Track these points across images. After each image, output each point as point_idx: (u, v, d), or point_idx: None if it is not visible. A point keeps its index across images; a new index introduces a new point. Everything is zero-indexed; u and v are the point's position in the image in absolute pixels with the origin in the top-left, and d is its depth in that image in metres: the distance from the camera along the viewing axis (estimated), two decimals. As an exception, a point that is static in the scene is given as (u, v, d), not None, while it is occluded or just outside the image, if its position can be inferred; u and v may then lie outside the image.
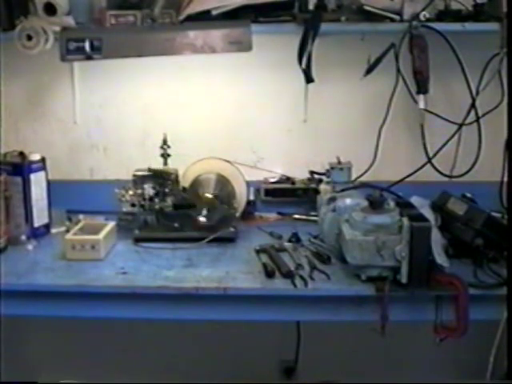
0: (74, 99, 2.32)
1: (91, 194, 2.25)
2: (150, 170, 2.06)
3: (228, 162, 2.14)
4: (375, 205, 1.71)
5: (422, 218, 1.66)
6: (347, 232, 1.69)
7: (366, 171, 2.19)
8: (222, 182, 2.09)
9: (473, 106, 2.10)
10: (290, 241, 1.97)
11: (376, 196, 1.73)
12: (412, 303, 1.67)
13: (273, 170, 2.30)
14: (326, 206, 1.91)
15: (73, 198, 2.22)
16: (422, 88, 2.05)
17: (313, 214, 2.17)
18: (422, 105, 2.08)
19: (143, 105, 2.30)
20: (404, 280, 1.61)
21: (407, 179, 2.17)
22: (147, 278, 1.73)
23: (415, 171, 2.16)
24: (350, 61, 2.18)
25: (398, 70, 2.07)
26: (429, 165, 2.13)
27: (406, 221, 1.62)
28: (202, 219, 1.97)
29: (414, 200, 1.87)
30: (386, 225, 1.65)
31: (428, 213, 1.82)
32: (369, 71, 2.04)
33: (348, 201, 1.83)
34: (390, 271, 1.64)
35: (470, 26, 1.98)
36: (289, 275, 1.70)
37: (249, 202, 2.20)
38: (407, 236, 1.60)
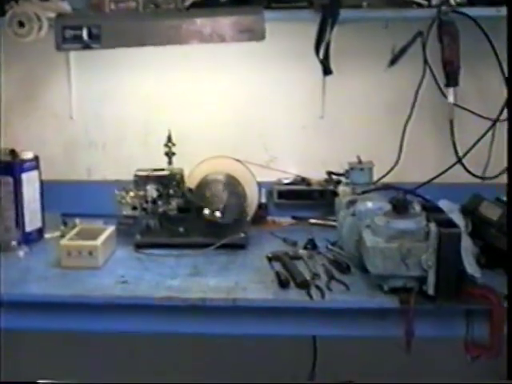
0: (70, 92, 2.33)
1: (88, 196, 2.26)
2: (153, 170, 2.07)
3: (238, 161, 2.14)
4: (399, 209, 1.70)
5: (450, 223, 1.65)
6: (368, 238, 1.68)
7: (389, 172, 2.18)
8: (232, 183, 2.09)
9: (509, 100, 2.08)
10: (305, 248, 1.97)
11: (400, 199, 1.72)
12: (440, 317, 1.65)
13: (287, 170, 2.30)
14: (345, 210, 1.91)
15: (68, 200, 2.23)
16: (452, 80, 2.04)
17: (330, 218, 2.16)
18: (451, 99, 2.07)
19: (146, 99, 2.31)
20: (431, 292, 1.60)
21: (435, 180, 2.16)
22: (149, 287, 1.72)
23: (444, 172, 2.15)
24: (372, 51, 2.18)
25: (426, 61, 2.06)
26: (459, 165, 2.12)
27: (433, 226, 1.61)
28: (217, 214, 1.98)
29: (443, 204, 1.86)
30: (412, 231, 1.64)
31: (458, 218, 1.81)
32: (393, 62, 2.04)
33: (369, 204, 1.82)
34: (416, 282, 1.63)
35: (505, 10, 1.95)
36: (304, 285, 1.70)
37: (260, 205, 2.20)
38: (435, 243, 1.59)
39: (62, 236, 2.00)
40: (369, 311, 1.66)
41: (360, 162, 2.11)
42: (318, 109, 2.28)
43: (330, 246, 1.97)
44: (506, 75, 2.03)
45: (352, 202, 1.90)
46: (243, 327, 1.72)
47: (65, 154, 2.36)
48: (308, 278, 1.74)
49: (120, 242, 2.02)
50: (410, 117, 2.15)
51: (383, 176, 2.17)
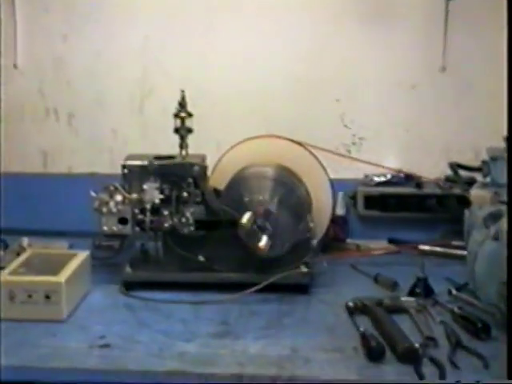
0: (14, 25, 2.38)
1: (45, 200, 2.31)
2: (150, 166, 2.10)
3: (298, 144, 2.17)
4: None
5: None
6: (523, 279, 1.68)
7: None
8: (287, 180, 2.12)
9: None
10: (412, 293, 1.98)
11: None
12: None
13: (381, 160, 2.33)
14: (483, 230, 1.91)
15: (11, 207, 2.28)
16: None
17: (456, 243, 2.18)
18: None
19: (143, 39, 2.36)
20: None
21: None
22: (147, 355, 1.74)
23: None
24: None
25: None
26: None
27: None
28: (262, 244, 2.00)
29: None
30: None
31: None
32: None
33: (524, 221, 1.82)
34: None
35: None
36: (410, 357, 1.70)
37: (336, 220, 2.23)
38: None
39: (1, 267, 2.03)
40: (522, 404, 1.67)
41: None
42: (435, 57, 2.31)
43: (454, 292, 1.98)
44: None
45: (494, 217, 1.90)
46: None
47: (5, 129, 2.42)
48: (417, 344, 1.74)
49: (98, 277, 2.06)
50: None
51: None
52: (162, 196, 2.07)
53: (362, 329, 1.81)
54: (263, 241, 1.98)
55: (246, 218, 1.98)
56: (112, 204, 2.07)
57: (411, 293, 1.99)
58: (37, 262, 2.00)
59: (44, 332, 1.83)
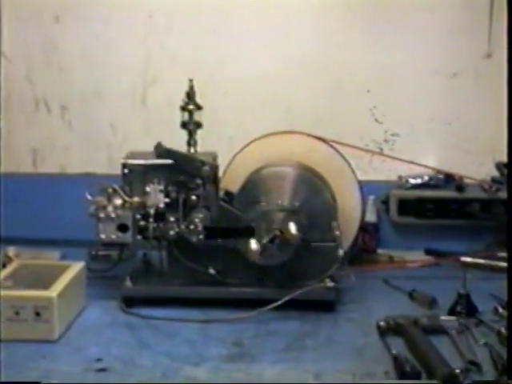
0: (-1, 5, 2.40)
1: (35, 204, 2.32)
2: (158, 148, 2.09)
3: (322, 140, 2.17)
4: None
5: None
6: None
7: None
8: (310, 182, 2.11)
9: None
10: (453, 311, 1.98)
11: None
12: None
13: (417, 158, 2.32)
14: (534, 240, 1.90)
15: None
16: None
17: (503, 255, 2.16)
18: None
19: (145, 19, 2.37)
20: None
21: None
22: (149, 381, 1.73)
23: None
24: None
25: None
26: None
27: None
28: (253, 246, 2.00)
29: None
30: None
31: None
32: None
33: None
34: None
35: None
36: (450, 383, 1.70)
37: (365, 227, 2.25)
38: None
39: (-15, 280, 2.05)
40: None
41: None
42: (480, 41, 2.30)
43: (500, 310, 1.98)
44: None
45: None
46: None
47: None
48: (458, 370, 1.73)
49: (94, 292, 2.06)
50: None
51: None
52: (167, 200, 2.07)
53: (394, 351, 1.81)
54: (252, 243, 2.00)
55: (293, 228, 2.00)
56: (110, 208, 2.06)
57: (451, 311, 1.99)
58: (25, 274, 2.01)
59: (33, 353, 1.83)
